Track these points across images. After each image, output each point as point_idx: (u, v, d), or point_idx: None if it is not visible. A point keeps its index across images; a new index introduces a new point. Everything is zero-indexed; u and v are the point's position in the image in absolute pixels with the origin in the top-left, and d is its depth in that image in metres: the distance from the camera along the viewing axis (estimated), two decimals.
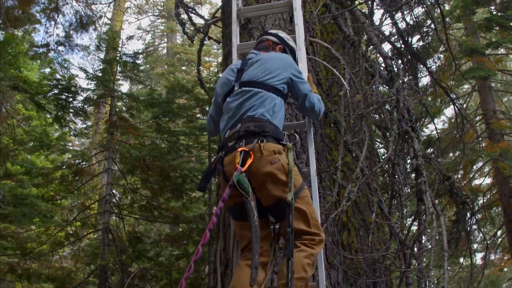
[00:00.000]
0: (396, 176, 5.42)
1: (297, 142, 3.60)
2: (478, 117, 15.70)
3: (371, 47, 6.14)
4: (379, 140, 8.41)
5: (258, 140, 3.07)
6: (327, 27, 6.24)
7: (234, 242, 3.60)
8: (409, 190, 6.36)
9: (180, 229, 12.10)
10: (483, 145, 14.54)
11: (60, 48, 12.93)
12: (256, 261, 2.82)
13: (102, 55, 11.76)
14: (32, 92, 9.66)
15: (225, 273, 4.34)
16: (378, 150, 8.33)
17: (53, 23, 12.55)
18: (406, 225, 6.10)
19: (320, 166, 4.91)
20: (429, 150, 14.28)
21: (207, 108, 10.71)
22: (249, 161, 2.99)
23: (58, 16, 12.57)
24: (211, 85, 10.89)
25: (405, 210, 6.16)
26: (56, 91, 10.20)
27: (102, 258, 9.09)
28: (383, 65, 6.15)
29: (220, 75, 3.81)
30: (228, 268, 4.07)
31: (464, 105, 16.55)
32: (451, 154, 15.22)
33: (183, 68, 25.88)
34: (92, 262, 10.47)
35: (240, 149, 3.05)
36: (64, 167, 10.51)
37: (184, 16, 7.97)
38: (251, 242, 2.87)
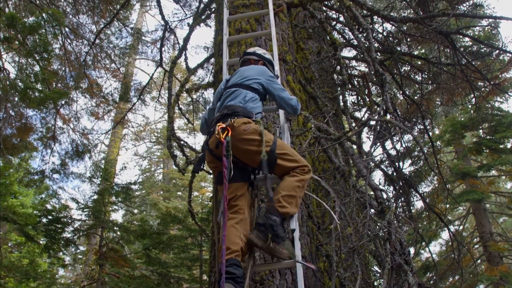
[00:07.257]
0: None
1: (264, 117, 4.54)
2: (475, 239, 15.54)
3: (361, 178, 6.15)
4: (374, 269, 8.21)
5: (231, 118, 3.83)
6: (318, 156, 6.31)
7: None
8: None
9: None
10: (483, 267, 14.28)
11: (55, 175, 12.95)
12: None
13: (96, 182, 11.77)
14: (21, 223, 9.57)
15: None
16: (374, 277, 8.10)
17: (49, 151, 12.67)
18: None
19: None
20: (428, 274, 13.98)
21: (199, 239, 10.58)
22: (228, 133, 3.69)
23: (54, 145, 12.72)
24: (206, 210, 10.90)
25: None
26: (46, 221, 10.11)
27: None
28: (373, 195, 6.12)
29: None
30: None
31: (460, 227, 16.48)
32: (450, 279, 14.89)
33: (179, 193, 25.95)
34: None
35: (219, 125, 3.77)
36: None
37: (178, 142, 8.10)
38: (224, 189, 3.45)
